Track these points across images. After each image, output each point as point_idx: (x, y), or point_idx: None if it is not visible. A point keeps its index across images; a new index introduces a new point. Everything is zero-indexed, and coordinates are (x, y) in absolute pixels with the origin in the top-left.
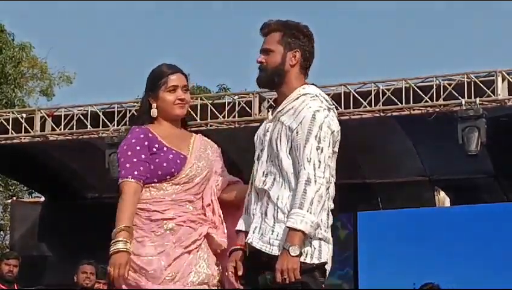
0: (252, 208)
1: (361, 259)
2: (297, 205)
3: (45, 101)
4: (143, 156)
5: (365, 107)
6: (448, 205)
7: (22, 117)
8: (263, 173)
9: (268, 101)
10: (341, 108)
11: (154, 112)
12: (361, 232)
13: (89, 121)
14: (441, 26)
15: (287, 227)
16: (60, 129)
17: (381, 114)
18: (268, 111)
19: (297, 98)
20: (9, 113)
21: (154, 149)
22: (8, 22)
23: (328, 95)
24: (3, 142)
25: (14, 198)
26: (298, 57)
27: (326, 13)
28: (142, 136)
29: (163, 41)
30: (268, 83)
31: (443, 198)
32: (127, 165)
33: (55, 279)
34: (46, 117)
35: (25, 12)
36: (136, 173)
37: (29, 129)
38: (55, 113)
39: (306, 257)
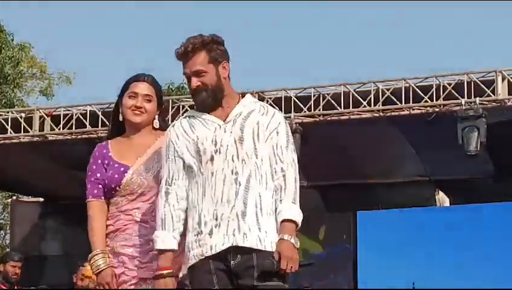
0: (207, 212)
1: (360, 259)
2: (291, 200)
3: (45, 101)
4: (98, 175)
5: (364, 107)
6: (448, 205)
7: (21, 117)
8: (232, 171)
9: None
10: (340, 108)
11: (121, 116)
12: (360, 232)
13: (88, 120)
14: (440, 24)
15: (287, 219)
16: (59, 129)
17: (381, 114)
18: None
19: (251, 104)
20: (8, 113)
21: (105, 165)
22: (7, 21)
23: (328, 94)
24: (2, 142)
25: (14, 197)
26: (227, 67)
27: (323, 11)
28: (97, 154)
29: (161, 40)
30: (213, 102)
31: (443, 198)
32: (88, 185)
33: (54, 279)
34: (45, 117)
35: (25, 12)
36: (95, 191)
37: (28, 129)
38: (54, 113)
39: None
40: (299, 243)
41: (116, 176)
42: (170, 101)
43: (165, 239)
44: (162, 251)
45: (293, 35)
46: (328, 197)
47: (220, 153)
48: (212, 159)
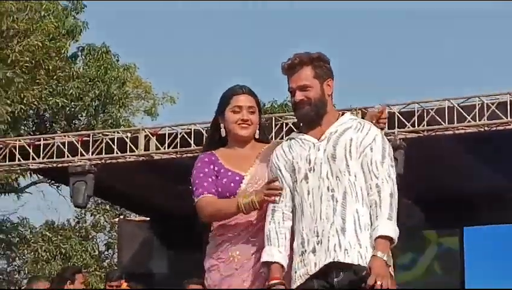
0: (308, 230)
1: (468, 276)
2: (386, 216)
3: (149, 121)
4: (210, 179)
5: (469, 122)
6: None
7: (127, 137)
8: (328, 188)
9: None
10: (445, 123)
11: (222, 132)
12: (468, 249)
13: (192, 139)
14: None
15: (382, 235)
16: (164, 148)
17: (486, 128)
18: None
19: (350, 122)
20: (114, 132)
21: (215, 171)
22: (112, 43)
23: (432, 110)
24: (108, 161)
25: (121, 217)
26: (332, 85)
27: (425, 24)
28: (206, 159)
29: (264, 58)
30: (314, 117)
31: None
32: (204, 184)
33: None
34: (150, 136)
35: (130, 34)
36: (213, 190)
37: (134, 148)
38: (159, 132)
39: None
40: (391, 260)
41: (232, 184)
42: (273, 118)
43: (270, 252)
44: (267, 264)
45: (396, 51)
46: (433, 213)
47: (314, 171)
48: (306, 177)
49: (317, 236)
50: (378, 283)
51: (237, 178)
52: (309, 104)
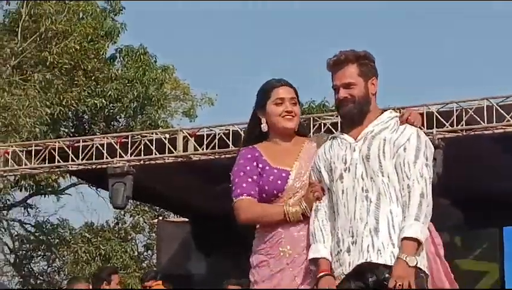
0: (343, 230)
1: (508, 276)
2: (414, 217)
3: (187, 122)
4: (255, 177)
5: (508, 121)
6: None
7: (165, 138)
8: (362, 189)
9: None
10: (484, 122)
11: (264, 127)
12: (508, 249)
13: (231, 140)
14: None
15: (406, 237)
16: (203, 149)
17: None
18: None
19: (388, 120)
20: (152, 134)
21: (259, 169)
22: (150, 44)
23: (470, 109)
24: (147, 162)
25: (160, 218)
26: (376, 84)
27: (468, 24)
28: (249, 156)
29: (301, 58)
30: (357, 115)
31: None
32: (243, 184)
33: None
34: (189, 137)
35: (167, 34)
36: (252, 192)
37: (173, 149)
38: (197, 133)
39: (420, 265)
40: (414, 261)
41: (279, 181)
42: (311, 119)
43: (316, 249)
44: (315, 260)
45: (434, 50)
46: (471, 213)
47: (349, 171)
48: (341, 177)
49: (352, 236)
50: (399, 284)
51: (283, 175)
52: (352, 102)
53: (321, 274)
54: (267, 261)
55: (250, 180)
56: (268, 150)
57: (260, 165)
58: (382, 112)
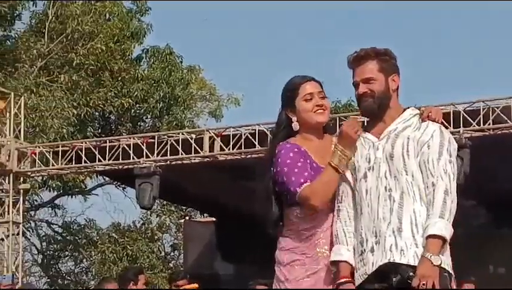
0: (367, 229)
1: None
2: (438, 214)
3: (213, 122)
4: (306, 174)
5: None
6: None
7: (191, 138)
8: (385, 188)
9: None
10: (511, 121)
11: (295, 125)
12: None
13: (257, 140)
14: None
15: (431, 235)
16: (229, 149)
17: None
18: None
19: (410, 118)
20: (179, 134)
21: (309, 165)
22: (176, 44)
23: (497, 108)
24: (174, 162)
25: (187, 218)
26: (397, 80)
27: (493, 22)
28: (295, 150)
29: (326, 57)
30: (377, 110)
31: None
32: (305, 173)
33: None
34: (215, 137)
35: (193, 35)
36: (312, 179)
37: (199, 149)
38: (223, 133)
39: (444, 264)
40: (439, 260)
41: None
42: (337, 118)
43: (338, 251)
44: (335, 263)
45: (461, 48)
46: (498, 213)
47: (372, 170)
48: (365, 176)
49: (376, 236)
50: (422, 283)
51: None
52: (372, 97)
53: (341, 281)
54: (302, 261)
55: (306, 174)
56: (310, 146)
57: (308, 161)
58: (404, 110)
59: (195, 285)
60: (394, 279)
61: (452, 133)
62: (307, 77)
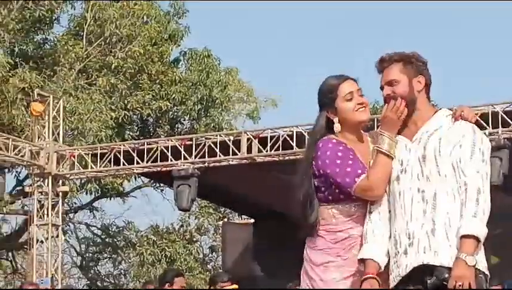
0: (401, 231)
1: None
2: (472, 214)
3: (251, 124)
4: (359, 171)
5: None
6: None
7: (229, 140)
8: (418, 190)
9: None
10: None
11: (337, 127)
12: None
13: (294, 141)
14: None
15: (465, 235)
16: (267, 151)
17: None
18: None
19: (442, 119)
20: (217, 136)
21: (359, 161)
22: (213, 46)
23: None
24: (212, 164)
25: (225, 219)
26: (423, 81)
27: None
28: (341, 147)
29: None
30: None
31: None
32: (360, 165)
33: None
34: (253, 139)
35: (231, 36)
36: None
37: (237, 151)
38: (261, 135)
39: (478, 265)
40: (474, 260)
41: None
42: (375, 119)
43: (365, 249)
44: (363, 261)
45: (499, 49)
46: None
47: (405, 172)
48: (398, 178)
49: (409, 238)
50: (458, 284)
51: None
52: (395, 99)
53: (365, 277)
54: (337, 263)
55: (361, 165)
56: (355, 146)
57: (357, 156)
58: (435, 111)
59: (236, 286)
60: (429, 281)
61: (491, 133)
62: (342, 76)
